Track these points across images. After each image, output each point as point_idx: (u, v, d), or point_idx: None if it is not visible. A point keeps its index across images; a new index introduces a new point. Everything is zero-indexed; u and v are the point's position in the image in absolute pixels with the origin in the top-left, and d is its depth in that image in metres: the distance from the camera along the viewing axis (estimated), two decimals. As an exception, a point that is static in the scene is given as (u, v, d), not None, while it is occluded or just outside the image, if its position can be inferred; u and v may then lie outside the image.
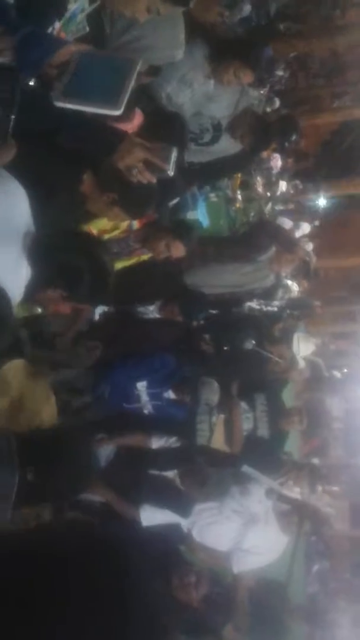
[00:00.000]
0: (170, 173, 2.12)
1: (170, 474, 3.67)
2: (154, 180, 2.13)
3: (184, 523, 3.57)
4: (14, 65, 1.11)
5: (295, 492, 3.85)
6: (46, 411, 3.22)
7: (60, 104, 1.58)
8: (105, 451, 3.71)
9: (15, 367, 2.97)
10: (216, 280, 4.36)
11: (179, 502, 3.57)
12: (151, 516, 3.48)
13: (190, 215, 5.37)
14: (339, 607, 6.64)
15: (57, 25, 1.85)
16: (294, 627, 3.65)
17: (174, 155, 2.10)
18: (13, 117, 1.14)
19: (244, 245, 4.58)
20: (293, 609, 3.66)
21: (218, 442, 4.11)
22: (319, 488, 3.86)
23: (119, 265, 3.47)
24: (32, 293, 1.98)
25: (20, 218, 2.01)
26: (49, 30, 1.79)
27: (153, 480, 3.68)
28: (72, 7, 1.97)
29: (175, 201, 3.73)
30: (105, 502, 3.55)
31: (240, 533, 3.57)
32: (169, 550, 3.52)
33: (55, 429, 2.45)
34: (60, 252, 1.94)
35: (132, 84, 1.59)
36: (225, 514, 3.53)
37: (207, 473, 3.60)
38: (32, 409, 3.12)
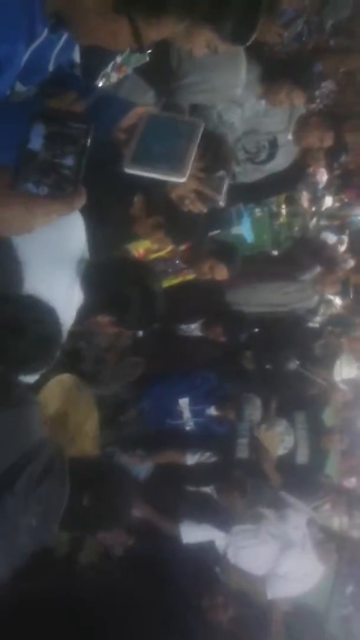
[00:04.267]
0: (222, 203, 2.14)
1: (209, 489, 3.68)
2: (205, 210, 2.16)
3: (220, 544, 3.56)
4: (87, 121, 1.15)
5: (333, 520, 3.81)
6: (89, 425, 3.29)
7: (130, 171, 1.61)
8: (144, 468, 3.75)
9: (62, 381, 3.05)
10: (258, 299, 4.36)
11: (219, 516, 3.57)
12: (191, 533, 3.49)
13: (235, 230, 5.39)
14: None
15: (119, 59, 1.89)
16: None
17: (225, 184, 2.12)
18: (84, 166, 1.16)
19: (286, 264, 4.56)
20: (329, 638, 3.60)
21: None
22: (358, 515, 3.79)
23: (165, 283, 3.51)
24: (83, 317, 2.03)
25: (76, 244, 2.07)
26: (111, 64, 1.83)
27: (192, 496, 3.70)
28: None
29: (215, 232, 3.75)
30: (145, 518, 3.58)
31: (276, 558, 3.54)
32: (205, 569, 3.52)
33: (101, 459, 2.48)
34: (112, 281, 1.99)
35: (195, 149, 1.61)
36: (261, 538, 3.51)
37: (246, 483, 3.58)
38: (75, 423, 3.19)
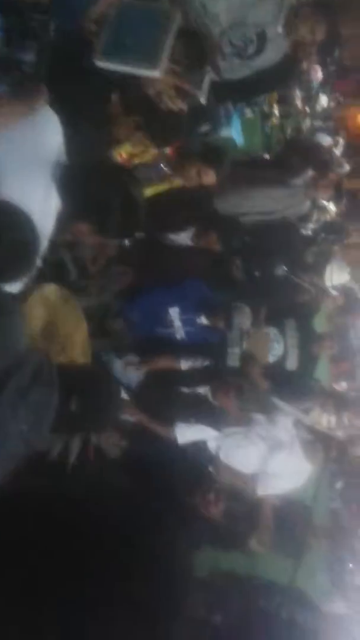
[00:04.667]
0: (203, 100, 2.02)
1: (202, 390, 3.76)
2: (185, 108, 2.04)
3: (211, 445, 3.68)
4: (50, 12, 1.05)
5: (322, 419, 3.92)
6: (79, 335, 3.30)
7: (100, 65, 1.50)
8: (135, 374, 3.81)
9: (49, 291, 3.02)
10: (248, 205, 4.25)
11: (213, 415, 3.67)
12: (185, 432, 3.60)
13: (224, 133, 5.17)
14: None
15: None
16: (316, 545, 3.83)
17: (206, 80, 1.99)
18: (46, 63, 1.08)
19: (277, 168, 4.42)
20: (316, 529, 3.82)
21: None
22: (346, 415, 3.91)
23: (150, 190, 3.41)
24: (62, 225, 1.97)
25: (52, 146, 1.97)
26: None
27: (184, 397, 3.78)
28: None
29: (205, 128, 3.56)
30: (138, 422, 3.68)
31: (265, 458, 3.68)
32: (196, 468, 3.67)
33: (90, 364, 2.51)
34: (90, 186, 1.90)
35: (171, 41, 1.48)
36: (251, 439, 3.63)
37: (242, 384, 3.66)
38: (64, 333, 3.20)
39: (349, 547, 4.43)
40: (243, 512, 3.42)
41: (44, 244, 1.89)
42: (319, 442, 3.68)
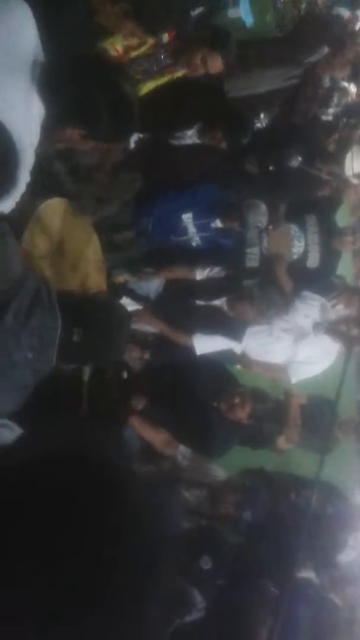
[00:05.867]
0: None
1: (218, 302, 3.69)
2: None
3: (238, 349, 3.65)
4: None
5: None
6: (91, 250, 3.18)
7: None
8: (153, 287, 3.72)
9: (53, 206, 2.86)
10: (259, 87, 3.94)
11: (231, 327, 3.62)
12: (205, 344, 3.57)
13: (231, 14, 4.74)
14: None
15: None
16: (343, 438, 3.84)
17: None
18: None
19: (290, 46, 4.04)
20: (343, 423, 3.83)
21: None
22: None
23: (151, 85, 3.14)
24: (49, 133, 1.80)
25: (26, 44, 1.76)
26: None
27: (202, 310, 3.72)
28: None
29: (199, 10, 3.18)
30: (158, 334, 3.64)
31: (293, 348, 3.67)
32: (220, 374, 3.67)
33: (99, 295, 2.41)
34: (74, 85, 1.71)
35: None
36: (275, 335, 3.61)
37: (254, 292, 3.58)
38: (74, 249, 3.08)
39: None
40: (269, 412, 3.44)
41: (29, 156, 1.73)
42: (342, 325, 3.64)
